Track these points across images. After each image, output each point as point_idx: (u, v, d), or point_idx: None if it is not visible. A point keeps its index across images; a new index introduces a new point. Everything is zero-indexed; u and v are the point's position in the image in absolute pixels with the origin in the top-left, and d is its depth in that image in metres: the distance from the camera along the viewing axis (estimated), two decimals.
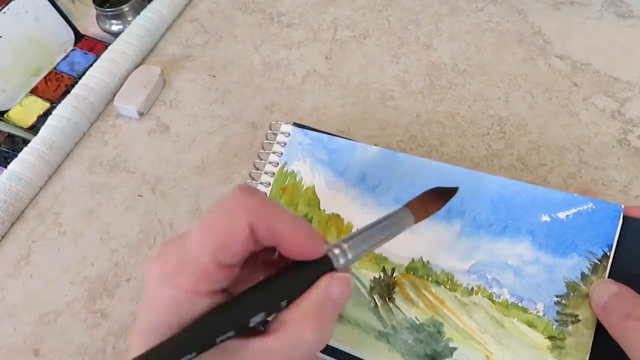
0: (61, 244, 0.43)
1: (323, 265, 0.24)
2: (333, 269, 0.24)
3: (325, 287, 0.23)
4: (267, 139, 0.41)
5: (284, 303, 0.24)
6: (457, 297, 0.32)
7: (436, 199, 0.31)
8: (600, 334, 0.29)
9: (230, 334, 0.22)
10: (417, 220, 0.29)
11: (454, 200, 0.34)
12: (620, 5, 0.54)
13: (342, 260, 0.25)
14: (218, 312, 0.23)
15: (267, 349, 0.22)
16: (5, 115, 0.62)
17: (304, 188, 0.38)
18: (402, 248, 0.34)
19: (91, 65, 0.54)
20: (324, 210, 0.37)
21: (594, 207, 0.31)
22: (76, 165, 0.48)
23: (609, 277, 0.30)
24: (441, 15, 0.55)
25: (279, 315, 0.23)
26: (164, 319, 0.22)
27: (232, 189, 0.24)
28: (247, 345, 0.22)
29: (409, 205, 0.29)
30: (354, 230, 0.35)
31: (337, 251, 0.25)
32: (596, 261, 0.30)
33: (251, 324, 0.23)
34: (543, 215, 0.32)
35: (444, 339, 0.31)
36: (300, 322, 0.23)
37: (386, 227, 0.27)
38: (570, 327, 0.29)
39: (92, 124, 0.51)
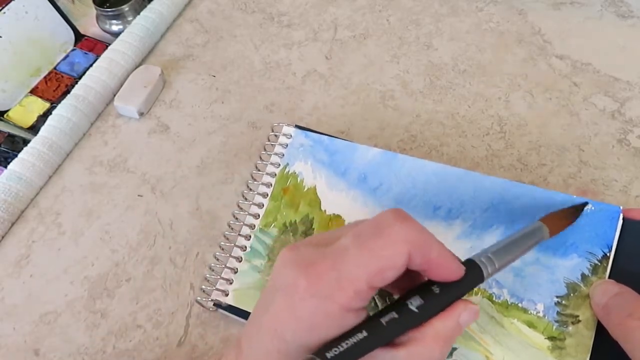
0: (61, 244, 0.43)
1: (475, 275, 0.26)
2: (482, 279, 0.26)
3: (458, 314, 0.25)
4: (268, 140, 0.41)
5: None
6: None
7: (568, 215, 0.31)
8: (601, 334, 0.29)
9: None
10: (552, 234, 0.29)
11: (454, 201, 0.34)
12: (620, 5, 0.54)
13: (490, 269, 0.26)
14: (386, 324, 0.24)
15: None
16: (5, 115, 0.62)
17: (306, 189, 0.38)
18: None
19: (91, 65, 0.54)
20: (325, 210, 0.37)
21: (593, 208, 0.31)
22: (76, 165, 0.48)
23: (609, 278, 0.30)
24: (441, 15, 0.55)
25: (411, 330, 0.24)
26: (314, 329, 0.23)
27: (388, 212, 0.24)
28: (378, 354, 0.24)
29: (543, 220, 0.30)
30: None
31: (484, 260, 0.26)
32: (596, 262, 0.30)
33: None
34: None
35: None
36: (433, 341, 0.24)
37: (524, 239, 0.28)
38: (570, 328, 0.29)
39: (92, 124, 0.51)
